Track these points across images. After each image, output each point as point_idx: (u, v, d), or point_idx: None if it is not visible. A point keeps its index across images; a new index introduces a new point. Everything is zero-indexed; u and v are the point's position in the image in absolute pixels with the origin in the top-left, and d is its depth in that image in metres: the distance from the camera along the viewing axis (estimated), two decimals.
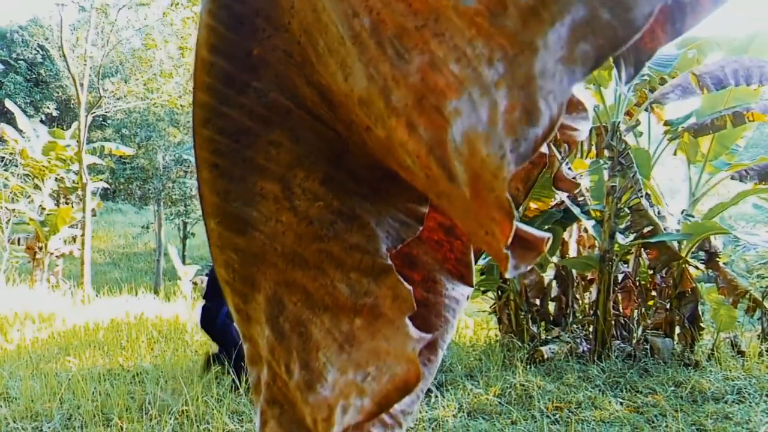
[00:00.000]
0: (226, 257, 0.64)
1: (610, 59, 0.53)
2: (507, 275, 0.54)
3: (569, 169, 6.35)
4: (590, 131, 7.32)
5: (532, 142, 0.47)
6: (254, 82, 0.65)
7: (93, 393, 5.47)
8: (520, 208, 7.57)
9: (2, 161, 14.95)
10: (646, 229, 6.59)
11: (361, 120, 0.59)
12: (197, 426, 4.67)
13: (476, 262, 0.72)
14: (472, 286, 0.71)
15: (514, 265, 0.52)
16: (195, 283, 15.68)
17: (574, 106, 0.65)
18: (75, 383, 5.79)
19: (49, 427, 4.87)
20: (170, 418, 4.84)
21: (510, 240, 0.48)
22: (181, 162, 21.77)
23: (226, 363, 4.83)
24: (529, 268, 0.57)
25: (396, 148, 0.55)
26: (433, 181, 0.53)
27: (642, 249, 7.04)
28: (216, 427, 4.65)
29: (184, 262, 18.05)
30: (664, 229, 6.43)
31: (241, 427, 4.72)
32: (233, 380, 5.47)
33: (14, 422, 5.01)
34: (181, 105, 18.18)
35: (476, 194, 0.48)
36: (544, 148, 0.52)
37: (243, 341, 0.66)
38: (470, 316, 10.28)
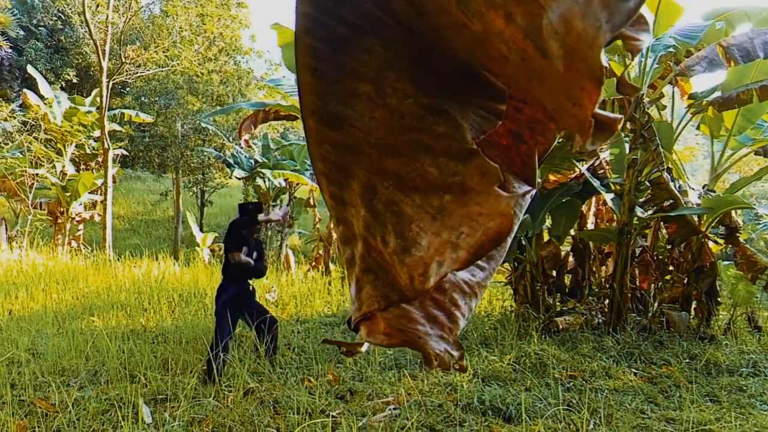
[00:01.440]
0: (323, 151, 0.70)
1: None
2: (587, 146, 0.59)
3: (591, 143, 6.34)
4: (613, 103, 7.23)
5: (625, 13, 0.52)
6: None
7: (117, 351, 5.63)
8: (539, 180, 7.55)
9: (26, 126, 15.11)
10: (666, 203, 6.56)
11: (456, 19, 0.63)
12: (220, 384, 4.81)
13: (539, 165, 0.76)
14: (535, 187, 0.77)
15: (591, 141, 0.57)
16: (213, 250, 15.90)
17: (636, 20, 0.69)
18: (99, 341, 5.96)
19: (75, 382, 5.04)
20: (193, 376, 4.98)
21: (596, 108, 0.54)
22: (199, 131, 21.82)
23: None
24: (603, 145, 0.62)
25: (491, 39, 0.60)
26: (527, 63, 0.57)
27: (661, 223, 7.02)
28: (237, 385, 4.78)
29: (201, 230, 18.28)
30: (685, 204, 6.40)
31: (261, 385, 4.85)
32: (254, 342, 5.61)
33: (42, 376, 5.19)
34: (200, 73, 18.17)
35: (569, 66, 0.53)
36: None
37: (337, 225, 0.72)
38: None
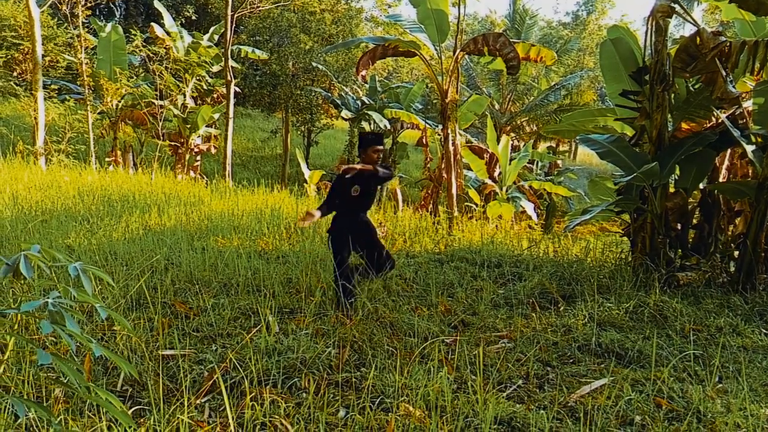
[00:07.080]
0: None
1: None
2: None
3: (733, 87, 5.67)
4: (755, 45, 6.53)
5: None
6: None
7: (244, 268, 6.01)
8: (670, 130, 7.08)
9: (156, 56, 16.00)
10: None
11: None
12: (346, 307, 5.03)
13: None
14: None
15: None
16: (319, 188, 16.39)
17: None
18: (228, 258, 6.38)
19: (208, 291, 5.45)
20: (313, 295, 5.25)
21: None
22: (308, 70, 22.16)
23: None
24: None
25: None
26: None
27: None
28: (356, 305, 5.01)
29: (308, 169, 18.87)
30: None
31: (376, 309, 5.02)
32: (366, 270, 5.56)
33: (179, 284, 5.66)
34: (314, 11, 18.30)
35: None
36: None
37: None
38: (598, 238, 10.03)
